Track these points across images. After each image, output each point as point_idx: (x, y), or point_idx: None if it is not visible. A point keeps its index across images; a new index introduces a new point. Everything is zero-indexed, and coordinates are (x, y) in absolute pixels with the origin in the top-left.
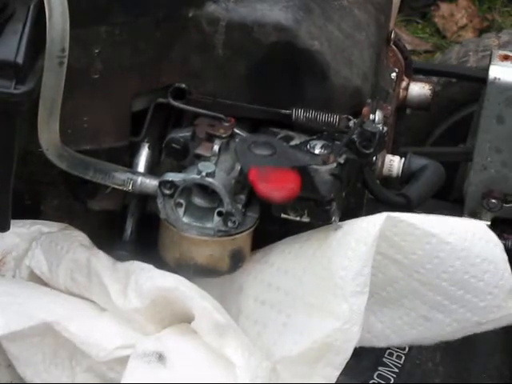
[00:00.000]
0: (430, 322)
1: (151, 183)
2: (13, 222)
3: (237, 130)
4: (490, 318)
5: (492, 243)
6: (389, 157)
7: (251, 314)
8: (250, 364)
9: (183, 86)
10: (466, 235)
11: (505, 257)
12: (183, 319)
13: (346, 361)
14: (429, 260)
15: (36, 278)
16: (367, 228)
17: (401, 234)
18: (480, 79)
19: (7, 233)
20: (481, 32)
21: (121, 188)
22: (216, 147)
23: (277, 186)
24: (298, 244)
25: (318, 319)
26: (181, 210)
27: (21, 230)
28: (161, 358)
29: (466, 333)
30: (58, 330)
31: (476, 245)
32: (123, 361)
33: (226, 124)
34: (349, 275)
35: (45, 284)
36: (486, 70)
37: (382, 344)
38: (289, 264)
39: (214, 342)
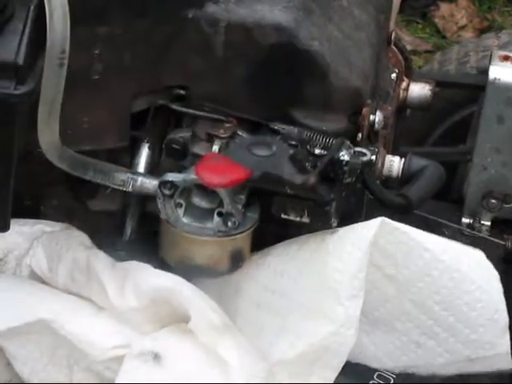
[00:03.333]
0: (422, 349)
1: (151, 183)
2: (15, 220)
3: (237, 131)
4: (481, 354)
5: (488, 272)
6: (389, 157)
7: (248, 315)
8: (246, 365)
9: (181, 92)
10: (462, 258)
11: (500, 288)
12: (181, 319)
13: (342, 364)
14: (421, 277)
15: (36, 277)
16: (362, 232)
17: (395, 243)
18: (478, 87)
19: (10, 231)
20: (481, 32)
21: (121, 188)
22: (215, 147)
23: (217, 174)
24: (295, 246)
25: (314, 322)
26: (181, 211)
27: (23, 229)
28: (156, 357)
29: (460, 369)
30: (55, 328)
31: (471, 269)
32: (120, 360)
33: (228, 125)
34: (344, 278)
35: (44, 283)
36: (485, 75)
37: (374, 365)
38: (285, 266)
39: (209, 342)
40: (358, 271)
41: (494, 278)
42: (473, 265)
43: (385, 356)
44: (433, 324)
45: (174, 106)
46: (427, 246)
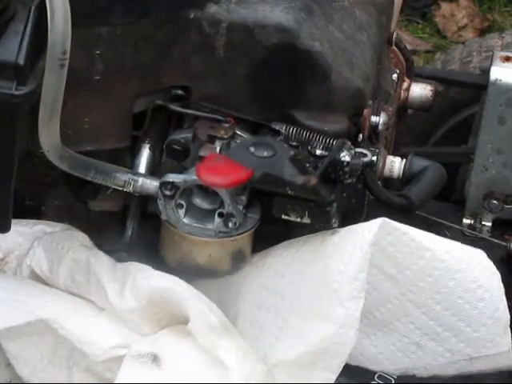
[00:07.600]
0: (423, 351)
1: (152, 184)
2: (16, 221)
3: (238, 131)
4: (484, 352)
5: (489, 271)
6: (390, 158)
7: (248, 317)
8: (244, 366)
9: (180, 92)
10: (463, 257)
11: (502, 287)
12: (180, 321)
13: (343, 364)
14: (422, 277)
15: (36, 277)
16: (363, 233)
17: (396, 245)
18: (480, 86)
19: (10, 232)
20: (481, 32)
21: (122, 189)
22: (216, 148)
23: (218, 174)
24: (294, 248)
25: (314, 323)
26: (182, 211)
27: (24, 230)
28: (155, 359)
29: (461, 368)
30: (55, 328)
31: (472, 269)
32: (120, 361)
33: (226, 125)
34: (345, 280)
35: (45, 283)
36: (487, 75)
37: (374, 367)
38: (286, 268)
39: (208, 344)
40: (359, 272)
41: (496, 276)
42: (474, 264)
43: (386, 358)
44: (434, 324)
45: (173, 107)
46: (428, 247)
